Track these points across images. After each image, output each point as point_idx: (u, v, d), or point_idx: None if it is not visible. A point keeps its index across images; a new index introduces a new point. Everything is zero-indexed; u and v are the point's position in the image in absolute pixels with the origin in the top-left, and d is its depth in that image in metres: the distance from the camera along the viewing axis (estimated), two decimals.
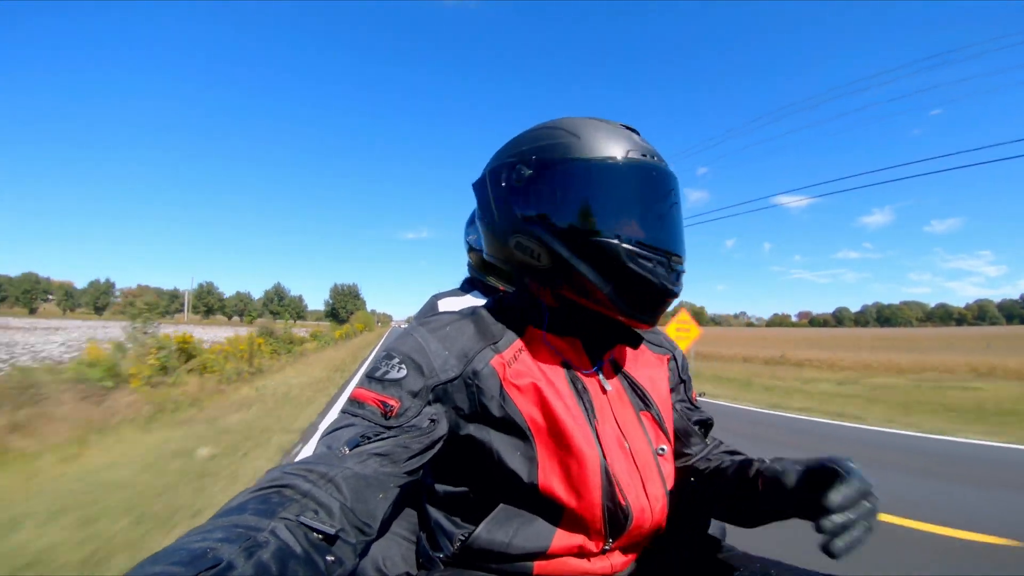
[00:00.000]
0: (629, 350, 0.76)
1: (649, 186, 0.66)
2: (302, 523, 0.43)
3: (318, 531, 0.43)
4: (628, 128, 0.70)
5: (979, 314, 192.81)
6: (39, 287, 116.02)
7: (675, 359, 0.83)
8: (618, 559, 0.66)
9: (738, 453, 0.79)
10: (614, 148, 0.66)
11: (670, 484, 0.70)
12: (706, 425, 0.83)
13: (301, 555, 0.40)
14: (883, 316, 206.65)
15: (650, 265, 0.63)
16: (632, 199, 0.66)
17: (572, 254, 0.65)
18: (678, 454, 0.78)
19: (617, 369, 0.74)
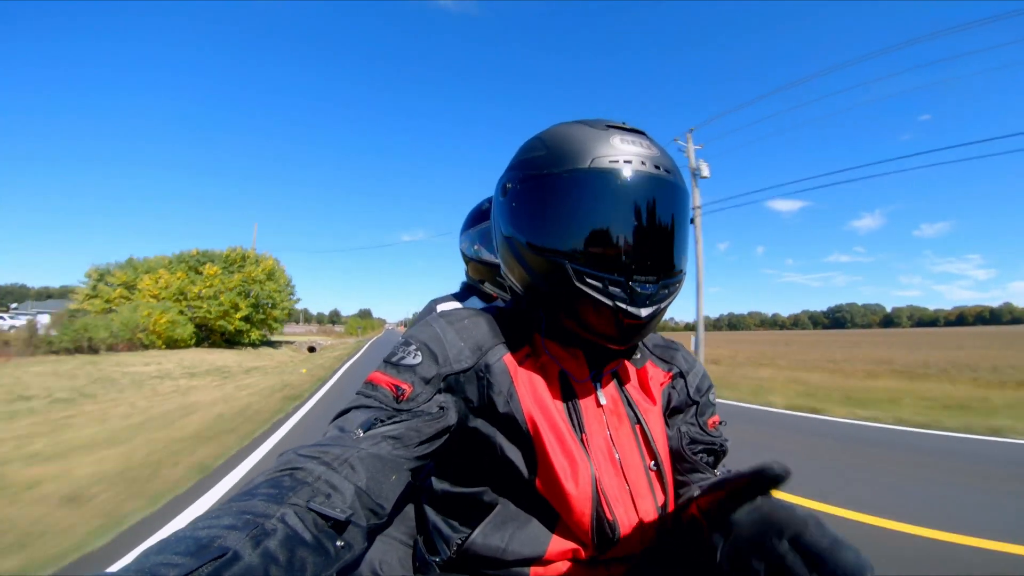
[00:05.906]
0: (633, 365, 0.73)
1: (613, 196, 0.60)
2: (312, 509, 0.42)
3: (328, 518, 0.43)
4: (620, 128, 0.64)
5: (795, 321, 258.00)
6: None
7: (683, 377, 0.77)
8: (615, 567, 0.64)
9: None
10: (580, 156, 0.61)
11: (661, 500, 0.66)
12: (715, 453, 0.75)
13: (310, 542, 0.40)
14: (732, 322, 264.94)
15: (599, 285, 0.60)
16: (589, 212, 0.61)
17: (534, 273, 0.65)
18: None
19: (619, 383, 0.71)
